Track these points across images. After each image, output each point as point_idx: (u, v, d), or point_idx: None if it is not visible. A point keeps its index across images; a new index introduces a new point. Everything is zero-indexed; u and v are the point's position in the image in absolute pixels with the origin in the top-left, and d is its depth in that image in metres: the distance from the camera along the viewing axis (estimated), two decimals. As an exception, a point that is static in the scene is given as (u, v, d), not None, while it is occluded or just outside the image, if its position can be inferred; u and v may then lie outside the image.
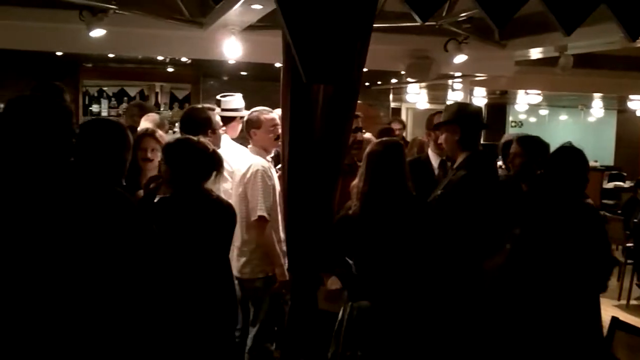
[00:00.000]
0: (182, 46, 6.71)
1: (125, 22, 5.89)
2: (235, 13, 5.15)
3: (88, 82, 9.61)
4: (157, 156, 3.85)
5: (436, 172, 4.76)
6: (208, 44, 6.35)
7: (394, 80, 10.39)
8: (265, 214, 4.16)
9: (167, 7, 5.87)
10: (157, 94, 10.03)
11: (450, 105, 4.36)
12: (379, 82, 10.67)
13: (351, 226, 3.50)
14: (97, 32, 5.71)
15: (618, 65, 9.15)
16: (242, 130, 4.84)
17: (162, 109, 9.73)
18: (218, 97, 5.08)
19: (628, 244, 7.97)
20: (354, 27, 2.97)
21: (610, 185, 12.54)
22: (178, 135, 4.46)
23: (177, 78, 10.04)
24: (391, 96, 11.84)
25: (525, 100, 13.43)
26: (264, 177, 4.22)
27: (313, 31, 2.90)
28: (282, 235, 4.21)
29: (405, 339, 3.40)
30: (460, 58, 6.85)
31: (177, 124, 9.63)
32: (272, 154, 4.61)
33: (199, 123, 4.20)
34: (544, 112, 15.72)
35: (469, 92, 10.32)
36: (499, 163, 5.05)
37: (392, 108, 12.09)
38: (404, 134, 8.68)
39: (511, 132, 14.25)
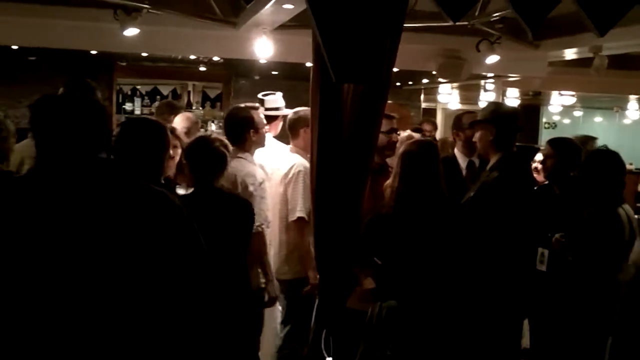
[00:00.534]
0: (214, 45, 6.76)
1: (159, 22, 5.95)
2: (266, 12, 5.17)
3: (122, 80, 9.72)
4: (178, 153, 3.89)
5: (464, 172, 4.73)
6: (240, 44, 6.39)
7: (425, 81, 10.33)
8: (304, 215, 4.15)
9: (200, 7, 5.92)
10: (189, 92, 10.11)
11: (488, 104, 4.35)
12: (410, 82, 10.62)
13: (384, 225, 3.49)
14: (131, 31, 5.78)
15: (654, 67, 8.99)
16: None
17: (194, 108, 9.81)
18: (260, 95, 5.10)
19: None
20: (384, 26, 2.96)
21: (646, 188, 12.31)
22: (208, 133, 4.50)
23: (209, 77, 10.11)
24: (422, 96, 11.78)
25: (559, 101, 13.25)
26: (305, 178, 4.20)
27: (343, 31, 2.90)
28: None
29: (433, 339, 3.38)
30: (492, 58, 6.78)
31: (210, 123, 9.80)
32: None
33: (241, 123, 4.19)
34: (578, 113, 15.50)
35: (502, 92, 10.22)
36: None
37: (424, 108, 12.02)
38: (435, 136, 8.63)
39: (545, 134, 14.11)
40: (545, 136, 13.61)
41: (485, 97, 10.03)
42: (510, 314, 3.81)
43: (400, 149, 3.75)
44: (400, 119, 5.67)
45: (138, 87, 9.84)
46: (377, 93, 3.15)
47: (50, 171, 1.90)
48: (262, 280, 3.97)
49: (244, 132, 4.10)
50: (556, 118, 15.50)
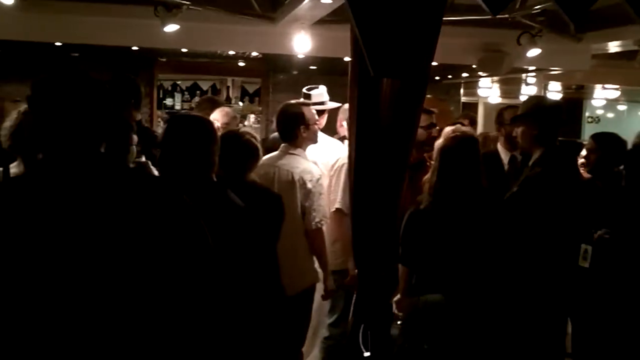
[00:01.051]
0: (253, 41, 6.79)
1: (198, 18, 6.01)
2: (305, 7, 5.18)
3: (162, 76, 9.82)
4: None
5: (506, 167, 4.67)
6: (278, 39, 6.41)
7: (465, 75, 10.22)
8: (342, 207, 4.16)
9: (239, 3, 5.96)
10: (228, 88, 10.18)
11: (529, 98, 4.28)
12: (450, 76, 10.51)
13: (422, 220, 3.47)
14: (171, 28, 5.84)
15: (703, 59, 8.72)
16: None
17: (233, 103, 9.87)
18: (305, 90, 5.10)
19: None
20: (423, 20, 2.94)
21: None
22: (247, 129, 4.52)
23: (248, 72, 10.16)
24: (462, 90, 11.65)
25: (602, 95, 12.99)
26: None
27: (381, 25, 2.89)
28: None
29: (471, 335, 3.35)
30: (534, 52, 6.67)
31: (248, 117, 9.86)
32: None
33: (292, 119, 4.19)
34: (622, 107, 15.16)
35: (543, 86, 10.06)
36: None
37: (463, 103, 11.90)
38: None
39: (588, 128, 13.85)
40: (588, 131, 13.35)
41: (527, 91, 9.88)
42: (553, 312, 3.76)
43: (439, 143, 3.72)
44: (439, 113, 5.64)
45: (178, 82, 9.95)
46: (416, 88, 3.13)
47: (54, 166, 1.86)
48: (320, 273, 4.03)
49: (295, 129, 4.10)
50: (599, 112, 15.19)
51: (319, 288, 4.26)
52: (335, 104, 5.12)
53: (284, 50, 6.60)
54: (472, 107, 12.28)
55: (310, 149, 4.43)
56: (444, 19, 3.04)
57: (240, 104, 10.10)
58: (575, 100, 14.27)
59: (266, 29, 6.28)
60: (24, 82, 8.25)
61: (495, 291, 3.42)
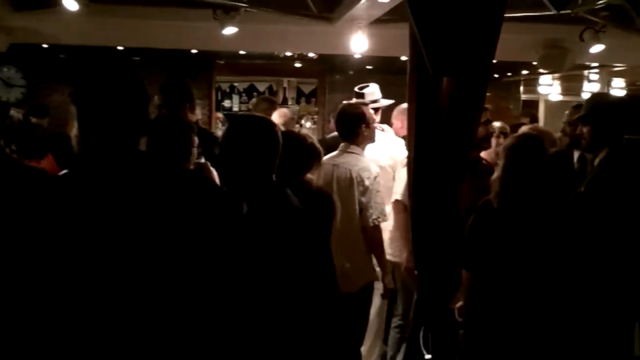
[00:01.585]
0: (310, 41, 6.82)
1: (256, 20, 6.07)
2: (362, 7, 5.17)
3: (220, 78, 9.96)
4: None
5: (575, 166, 4.56)
6: (335, 39, 6.41)
7: (525, 72, 10.03)
8: (401, 199, 4.22)
9: (296, 4, 5.99)
10: (284, 89, 10.25)
11: (592, 96, 4.17)
12: (509, 74, 10.34)
13: (488, 222, 3.40)
14: (230, 30, 5.91)
15: None
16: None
17: (289, 104, 9.93)
18: (357, 89, 5.10)
19: None
20: (483, 18, 2.89)
21: None
22: (304, 130, 4.54)
23: (304, 73, 10.21)
24: (522, 88, 11.44)
25: (669, 91, 12.56)
26: None
27: (440, 23, 2.85)
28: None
29: (537, 341, 3.27)
30: (597, 48, 6.50)
31: (304, 118, 9.90)
32: None
33: (353, 119, 4.23)
34: (690, 103, 14.62)
35: (607, 83, 9.79)
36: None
37: (523, 100, 11.68)
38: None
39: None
40: (654, 128, 12.92)
41: (589, 88, 9.65)
42: (621, 318, 3.64)
43: (504, 142, 3.66)
44: (497, 111, 5.56)
45: (235, 84, 10.07)
46: (476, 87, 3.08)
47: (95, 163, 1.87)
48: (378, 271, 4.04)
49: (355, 128, 4.16)
50: (666, 109, 14.68)
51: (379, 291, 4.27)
52: (388, 101, 5.10)
53: (341, 50, 6.60)
54: (532, 105, 12.03)
55: (373, 146, 4.46)
56: (504, 15, 2.98)
57: (297, 105, 10.15)
58: (640, 97, 13.85)
59: (323, 30, 6.29)
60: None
61: (562, 295, 3.33)
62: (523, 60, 7.79)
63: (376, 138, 4.45)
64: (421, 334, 3.30)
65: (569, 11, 5.67)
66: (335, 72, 10.30)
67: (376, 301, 4.37)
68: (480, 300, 3.42)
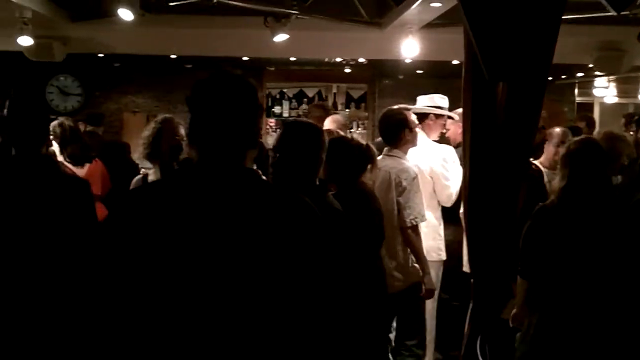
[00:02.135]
0: (360, 47, 6.82)
1: (307, 26, 6.09)
2: (414, 12, 5.14)
3: (270, 84, 10.05)
4: None
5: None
6: (386, 44, 6.39)
7: (580, 74, 9.83)
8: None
9: (346, 10, 5.98)
10: (334, 94, 10.26)
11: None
12: (564, 76, 10.14)
13: (546, 228, 3.31)
14: (281, 37, 5.94)
15: None
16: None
17: (339, 109, 9.94)
18: (423, 96, 5.05)
19: None
20: (540, 21, 2.84)
21: None
22: (355, 135, 4.55)
23: (353, 78, 10.22)
24: (576, 91, 11.20)
25: None
26: None
27: (496, 27, 2.81)
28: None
29: (597, 349, 3.18)
30: (656, 49, 6.32)
31: (353, 124, 9.90)
32: None
33: (397, 123, 4.28)
34: None
35: (666, 84, 9.50)
36: None
37: (578, 103, 11.43)
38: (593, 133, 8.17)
39: None
40: None
41: (647, 90, 9.38)
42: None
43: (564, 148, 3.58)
44: (551, 115, 5.44)
45: (285, 90, 10.14)
46: (533, 91, 3.02)
47: (195, 172, 1.88)
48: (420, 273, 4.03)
49: (399, 132, 4.21)
50: None
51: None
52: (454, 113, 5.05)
53: (392, 55, 6.57)
54: (587, 108, 11.77)
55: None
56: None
57: (347, 110, 10.15)
58: (701, 98, 13.41)
59: (373, 35, 6.28)
60: (140, 94, 8.77)
61: (626, 302, 3.23)
62: (578, 62, 7.62)
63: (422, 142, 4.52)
64: (478, 343, 3.26)
65: (627, 12, 5.53)
66: (384, 77, 10.27)
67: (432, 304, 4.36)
68: (539, 307, 3.35)
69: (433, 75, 9.25)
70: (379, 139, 4.69)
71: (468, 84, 3.10)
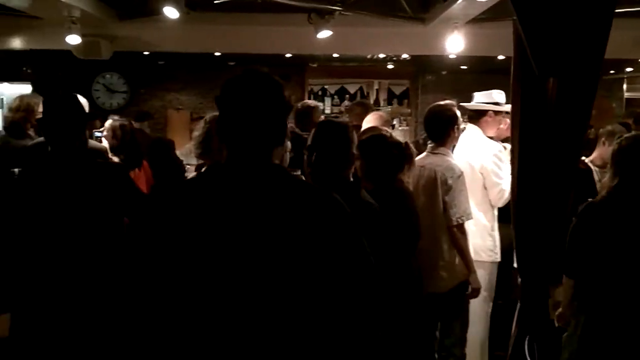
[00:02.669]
0: (404, 43, 6.78)
1: (350, 23, 6.07)
2: (459, 7, 5.09)
3: (313, 81, 10.06)
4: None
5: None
6: (429, 40, 6.34)
7: (629, 69, 9.61)
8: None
9: (389, 5, 5.96)
10: (376, 90, 10.22)
11: None
12: (612, 71, 9.92)
13: (595, 223, 3.23)
14: (324, 34, 5.94)
15: None
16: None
17: (381, 106, 9.89)
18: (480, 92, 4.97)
19: None
20: (592, 15, 2.76)
21: None
22: (396, 132, 4.51)
23: (395, 74, 10.17)
24: (625, 86, 10.95)
25: None
26: None
27: (546, 21, 2.75)
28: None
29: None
30: None
31: (395, 120, 9.84)
32: None
33: (445, 120, 4.21)
34: None
35: None
36: None
37: (627, 99, 11.18)
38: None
39: None
40: None
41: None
42: None
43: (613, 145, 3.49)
44: (599, 111, 5.32)
45: (327, 86, 10.14)
46: (584, 87, 2.94)
47: (226, 168, 1.89)
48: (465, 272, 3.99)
49: (447, 129, 4.14)
50: None
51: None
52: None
53: (436, 51, 6.52)
54: (636, 104, 11.50)
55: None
56: (612, 11, 2.84)
57: (389, 107, 10.10)
58: None
59: (417, 30, 6.24)
60: (184, 91, 8.86)
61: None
62: (627, 57, 7.47)
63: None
64: (526, 343, 3.20)
65: (680, 5, 5.39)
66: (428, 72, 10.20)
67: (475, 306, 4.28)
68: (586, 307, 3.28)
69: (476, 71, 9.15)
70: (425, 135, 4.62)
71: (517, 79, 3.04)
